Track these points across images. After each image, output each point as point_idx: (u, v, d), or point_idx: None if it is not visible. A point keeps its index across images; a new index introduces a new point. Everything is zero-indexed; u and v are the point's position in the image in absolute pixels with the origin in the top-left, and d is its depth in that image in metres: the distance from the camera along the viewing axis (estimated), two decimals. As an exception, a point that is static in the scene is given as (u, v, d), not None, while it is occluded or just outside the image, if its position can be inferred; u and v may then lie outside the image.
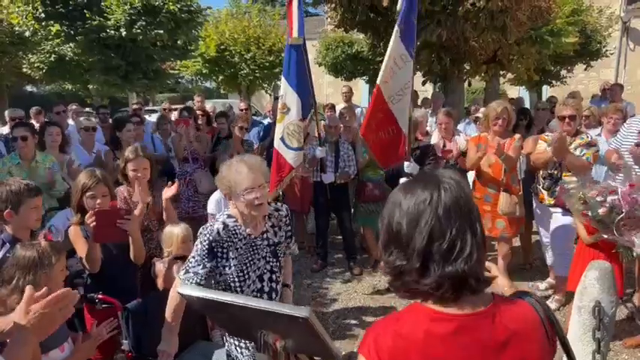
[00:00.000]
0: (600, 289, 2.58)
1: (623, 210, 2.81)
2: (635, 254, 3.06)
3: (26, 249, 1.91)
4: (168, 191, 3.18)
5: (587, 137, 4.16)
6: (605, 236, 3.09)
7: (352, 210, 5.53)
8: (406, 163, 4.65)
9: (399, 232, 1.08)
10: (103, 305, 2.55)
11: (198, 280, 2.13)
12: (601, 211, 2.99)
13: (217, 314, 1.69)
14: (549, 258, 4.58)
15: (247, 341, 2.13)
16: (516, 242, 5.18)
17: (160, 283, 2.84)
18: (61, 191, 4.33)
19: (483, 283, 1.09)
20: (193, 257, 2.18)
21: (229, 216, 2.23)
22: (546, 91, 19.28)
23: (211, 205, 3.84)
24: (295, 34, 4.03)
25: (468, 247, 1.05)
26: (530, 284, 4.80)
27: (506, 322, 1.06)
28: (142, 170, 3.11)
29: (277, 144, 4.37)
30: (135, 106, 7.66)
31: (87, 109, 15.52)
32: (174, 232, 2.92)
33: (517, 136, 4.43)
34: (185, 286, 1.83)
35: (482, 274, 1.09)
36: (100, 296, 2.58)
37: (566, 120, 4.09)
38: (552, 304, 4.23)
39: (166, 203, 3.18)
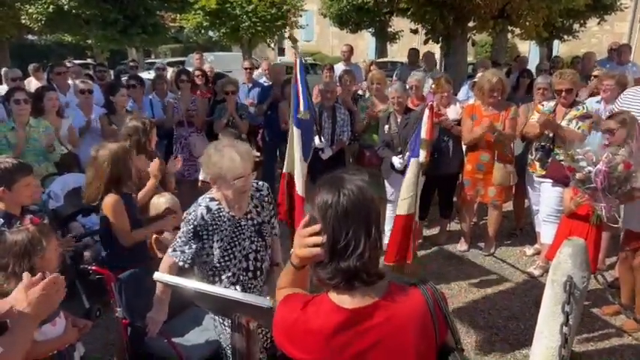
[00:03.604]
0: (573, 265, 2.66)
1: (593, 184, 2.94)
2: (603, 220, 3.23)
3: (16, 234, 1.96)
4: (173, 167, 3.26)
5: (583, 108, 4.13)
6: (585, 194, 3.24)
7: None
8: (395, 159, 4.60)
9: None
10: (97, 276, 2.70)
11: (184, 259, 2.25)
12: (578, 175, 3.14)
13: (195, 299, 1.80)
14: (537, 225, 4.68)
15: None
16: (509, 206, 5.27)
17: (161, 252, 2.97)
18: (58, 154, 4.42)
19: (375, 276, 1.23)
20: (180, 237, 2.28)
21: (212, 199, 2.30)
22: (557, 46, 18.73)
23: (203, 175, 3.91)
24: (302, 108, 3.45)
25: (361, 247, 1.19)
26: (519, 250, 4.94)
27: (390, 312, 1.22)
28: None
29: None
30: (131, 64, 7.58)
31: (88, 61, 15.34)
32: (160, 202, 3.01)
33: (513, 108, 4.40)
34: (159, 273, 1.94)
35: (374, 270, 1.23)
36: (93, 268, 2.72)
37: (563, 94, 4.05)
38: (536, 270, 4.38)
39: (170, 176, 3.28)
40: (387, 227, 4.98)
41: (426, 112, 3.33)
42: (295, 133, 3.55)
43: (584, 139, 4.08)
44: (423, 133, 3.34)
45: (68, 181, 4.11)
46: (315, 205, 1.25)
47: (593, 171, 3.02)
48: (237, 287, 2.34)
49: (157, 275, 1.79)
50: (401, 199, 3.47)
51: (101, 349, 3.34)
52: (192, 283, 1.64)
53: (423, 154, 3.35)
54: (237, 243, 2.32)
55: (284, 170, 3.70)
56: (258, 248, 2.40)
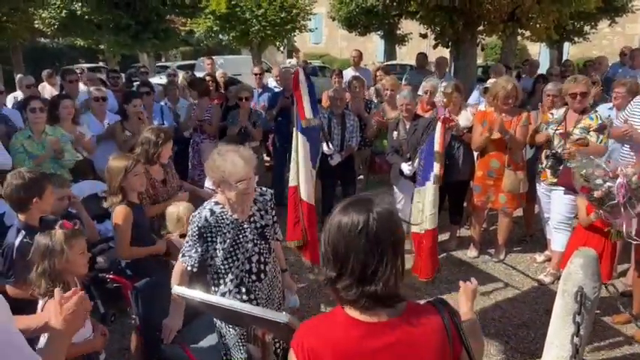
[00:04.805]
0: (584, 275, 2.67)
1: (616, 200, 2.89)
2: (624, 236, 3.18)
3: (42, 237, 2.13)
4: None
5: (597, 117, 4.06)
6: (602, 212, 3.20)
7: (363, 178, 5.64)
8: (404, 166, 4.61)
9: (334, 249, 1.24)
10: (114, 285, 2.76)
11: (192, 262, 2.34)
12: (596, 193, 3.10)
13: (209, 309, 1.85)
14: (548, 232, 4.67)
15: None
16: (519, 212, 5.26)
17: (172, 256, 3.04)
18: (72, 161, 4.49)
19: (397, 300, 1.26)
20: (187, 242, 2.38)
21: (216, 203, 2.38)
22: (568, 48, 18.60)
23: (210, 181, 3.97)
24: (309, 114, 3.38)
25: (387, 273, 1.21)
26: (529, 256, 4.93)
27: (408, 331, 1.24)
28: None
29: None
30: (142, 69, 7.70)
31: (100, 65, 15.49)
32: (179, 212, 3.08)
33: (524, 114, 4.39)
34: (178, 286, 1.99)
35: (396, 294, 1.25)
36: (110, 276, 2.78)
37: (578, 97, 4.02)
38: (547, 278, 4.37)
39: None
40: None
41: (439, 124, 3.36)
42: (300, 141, 3.53)
43: (606, 151, 4.06)
44: (437, 146, 3.37)
45: (84, 188, 4.17)
46: (337, 231, 1.24)
47: (615, 185, 2.99)
48: (242, 288, 2.40)
49: (176, 289, 1.84)
50: (429, 213, 3.51)
51: (116, 353, 3.40)
52: (211, 298, 1.68)
53: (437, 167, 3.38)
54: (240, 245, 2.38)
55: (291, 184, 3.58)
56: (262, 250, 2.45)
